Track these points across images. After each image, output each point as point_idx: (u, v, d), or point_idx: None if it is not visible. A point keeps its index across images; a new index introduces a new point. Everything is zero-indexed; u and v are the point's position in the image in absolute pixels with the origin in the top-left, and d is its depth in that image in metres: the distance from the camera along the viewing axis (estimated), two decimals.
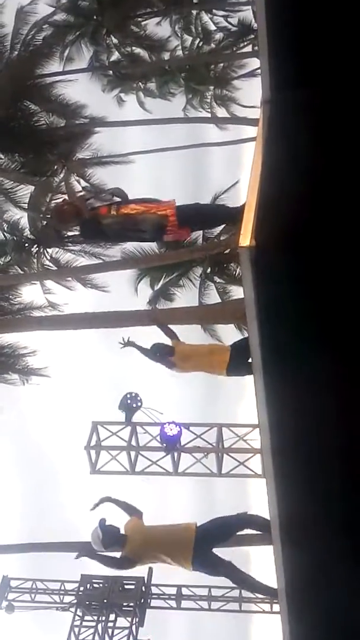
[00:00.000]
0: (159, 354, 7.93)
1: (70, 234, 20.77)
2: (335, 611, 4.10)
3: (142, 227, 6.40)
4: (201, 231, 20.26)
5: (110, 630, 17.37)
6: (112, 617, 17.45)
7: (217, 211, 6.96)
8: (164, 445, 11.19)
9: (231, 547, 15.34)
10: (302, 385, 3.08)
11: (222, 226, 20.02)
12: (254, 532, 7.41)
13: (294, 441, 3.32)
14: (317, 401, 3.11)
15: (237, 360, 7.58)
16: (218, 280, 20.13)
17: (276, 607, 15.45)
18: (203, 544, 6.96)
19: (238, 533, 7.63)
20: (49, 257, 20.78)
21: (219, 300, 19.50)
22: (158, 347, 7.98)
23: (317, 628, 4.36)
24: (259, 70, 3.34)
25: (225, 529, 7.31)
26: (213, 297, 19.95)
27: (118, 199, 6.60)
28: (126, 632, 17.20)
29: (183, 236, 6.75)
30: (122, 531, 7.03)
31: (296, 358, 2.97)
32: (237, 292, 18.94)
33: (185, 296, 20.01)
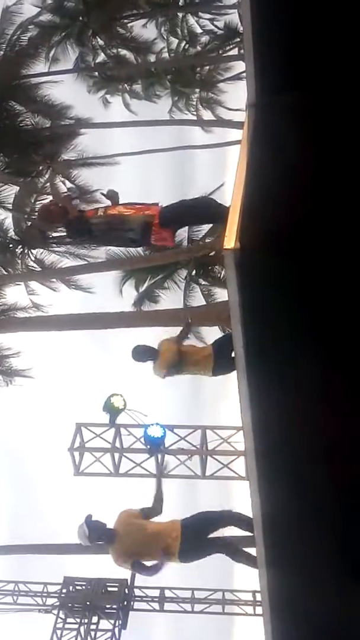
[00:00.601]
0: (142, 356, 7.99)
1: (55, 234, 20.75)
2: (319, 613, 4.12)
3: (129, 226, 6.43)
4: (186, 231, 20.32)
5: (93, 633, 17.32)
6: (94, 619, 17.41)
7: (202, 208, 6.87)
8: (148, 447, 11.17)
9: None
10: (286, 387, 3.09)
11: (208, 228, 20.08)
12: (240, 532, 7.43)
13: (277, 443, 3.32)
14: (301, 404, 3.12)
15: (221, 360, 7.66)
16: (203, 282, 20.17)
17: (259, 610, 15.48)
18: (189, 539, 7.02)
19: (223, 530, 7.64)
20: (33, 258, 20.71)
21: (204, 303, 19.53)
22: (140, 350, 8.04)
23: (300, 630, 4.37)
24: (244, 74, 3.35)
25: (208, 524, 7.34)
26: (198, 299, 19.99)
27: (108, 202, 6.64)
28: (109, 634, 17.17)
29: (167, 240, 6.75)
30: (111, 526, 7.05)
31: (280, 360, 2.97)
32: (221, 294, 18.98)
33: (171, 298, 20.03)
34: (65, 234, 6.99)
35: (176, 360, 7.87)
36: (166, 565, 7.17)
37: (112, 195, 6.67)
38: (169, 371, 7.97)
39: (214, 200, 7.06)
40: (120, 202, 6.62)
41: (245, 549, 7.34)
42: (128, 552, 6.99)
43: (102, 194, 6.82)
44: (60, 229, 6.90)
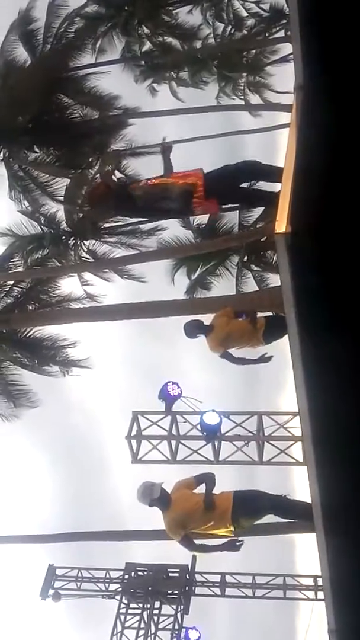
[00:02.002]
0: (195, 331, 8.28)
1: (107, 225, 20.90)
2: None
3: (170, 196, 6.38)
4: (237, 216, 20.22)
5: (155, 618, 17.52)
6: (157, 604, 17.60)
7: (248, 171, 6.63)
8: (205, 434, 11.20)
9: (274, 534, 15.34)
10: (342, 371, 3.06)
11: (259, 212, 19.92)
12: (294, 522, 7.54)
13: (334, 428, 3.30)
14: (358, 387, 3.09)
15: (272, 326, 7.91)
16: (255, 268, 20.04)
17: (321, 595, 15.43)
18: (240, 507, 7.26)
19: (276, 512, 7.72)
20: (85, 249, 20.89)
21: (257, 289, 19.42)
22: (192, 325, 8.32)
23: None
24: (292, 56, 3.32)
25: (259, 501, 7.49)
26: (250, 285, 19.88)
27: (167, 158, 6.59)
28: (171, 619, 17.35)
29: (211, 209, 6.67)
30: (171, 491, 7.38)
31: (335, 344, 2.95)
32: (274, 280, 18.84)
33: (223, 285, 19.97)
34: (115, 209, 7.00)
35: (229, 332, 8.08)
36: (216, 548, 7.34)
37: (168, 147, 6.62)
38: (224, 343, 8.12)
39: (258, 162, 6.70)
40: (168, 167, 6.53)
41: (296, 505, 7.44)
42: (177, 521, 7.17)
43: (162, 144, 6.74)
44: (107, 206, 6.91)
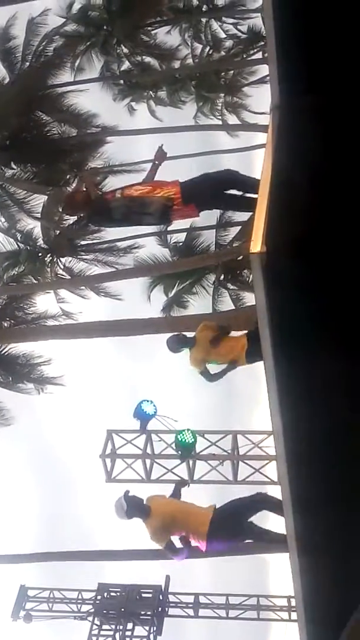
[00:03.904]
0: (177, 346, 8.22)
1: (83, 242, 20.88)
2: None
3: (148, 211, 6.38)
4: (214, 236, 20.31)
5: (128, 639, 17.32)
6: (130, 625, 17.40)
7: (227, 180, 6.64)
8: (179, 452, 11.16)
9: (248, 554, 15.27)
10: (316, 390, 3.06)
11: (235, 231, 20.02)
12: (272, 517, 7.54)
13: (308, 447, 3.30)
14: (331, 406, 3.09)
15: (256, 344, 7.78)
16: (231, 287, 20.14)
17: (294, 615, 15.36)
18: (218, 523, 7.27)
19: (255, 516, 7.74)
20: (62, 266, 20.87)
21: (233, 307, 19.49)
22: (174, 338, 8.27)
23: (335, 636, 4.33)
24: (268, 77, 3.35)
25: (240, 512, 7.56)
26: (227, 304, 19.95)
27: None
28: None
29: (190, 214, 6.67)
30: (145, 502, 7.42)
31: (309, 363, 2.96)
32: (250, 299, 18.92)
33: (199, 303, 20.02)
34: (88, 219, 6.98)
35: (211, 345, 8.01)
36: (194, 549, 7.35)
37: (160, 155, 6.61)
38: (206, 358, 8.06)
39: (237, 172, 6.69)
40: (135, 183, 6.53)
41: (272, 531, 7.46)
42: (163, 526, 7.18)
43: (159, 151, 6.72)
44: (83, 214, 6.89)
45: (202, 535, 7.26)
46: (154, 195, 6.31)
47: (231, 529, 7.46)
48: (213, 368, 8.24)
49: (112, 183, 20.52)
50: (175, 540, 7.36)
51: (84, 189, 6.69)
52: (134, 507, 7.33)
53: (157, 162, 6.60)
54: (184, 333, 8.62)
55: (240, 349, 8.06)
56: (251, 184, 6.14)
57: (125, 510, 7.29)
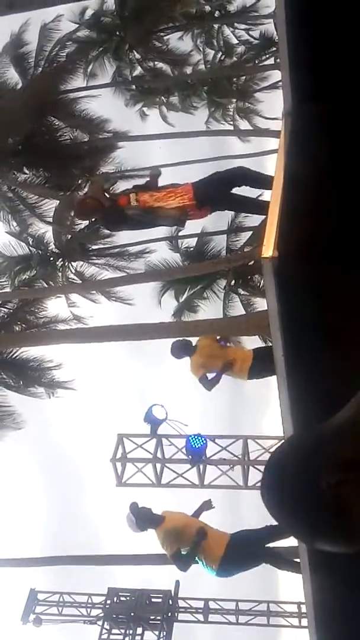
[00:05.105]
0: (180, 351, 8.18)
1: (94, 247, 20.93)
2: None
3: (163, 223, 6.39)
4: (225, 241, 20.32)
5: None
6: (139, 630, 17.39)
7: (238, 177, 6.61)
8: (190, 457, 11.16)
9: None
10: (327, 395, 3.06)
11: (247, 236, 20.02)
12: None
13: None
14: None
15: (260, 363, 7.72)
16: (242, 292, 20.13)
17: (304, 622, 15.30)
18: (236, 549, 7.16)
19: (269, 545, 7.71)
20: (73, 271, 20.94)
21: (244, 312, 19.48)
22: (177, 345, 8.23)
23: None
24: (281, 83, 3.36)
25: (252, 544, 7.45)
26: (237, 309, 19.94)
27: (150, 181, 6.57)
28: None
29: (204, 215, 6.67)
30: (160, 513, 7.48)
31: (321, 368, 2.96)
32: (261, 304, 18.91)
33: (210, 308, 20.03)
34: (102, 223, 6.98)
35: (214, 356, 7.96)
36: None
37: (154, 175, 6.58)
38: (205, 365, 8.01)
39: (248, 168, 6.72)
40: (149, 186, 6.51)
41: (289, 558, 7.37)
42: (172, 535, 7.19)
43: (151, 174, 6.73)
44: (96, 219, 6.89)
45: (216, 559, 7.25)
46: (170, 205, 6.28)
47: (248, 556, 7.46)
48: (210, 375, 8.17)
49: (123, 188, 20.61)
50: (183, 550, 7.35)
51: (94, 196, 6.68)
52: (143, 519, 7.36)
53: (152, 181, 6.56)
54: (188, 339, 8.59)
55: (245, 360, 8.00)
56: (263, 180, 6.15)
57: (135, 523, 7.35)
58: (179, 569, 7.55)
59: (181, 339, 8.72)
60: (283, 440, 1.66)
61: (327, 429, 1.40)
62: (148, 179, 6.63)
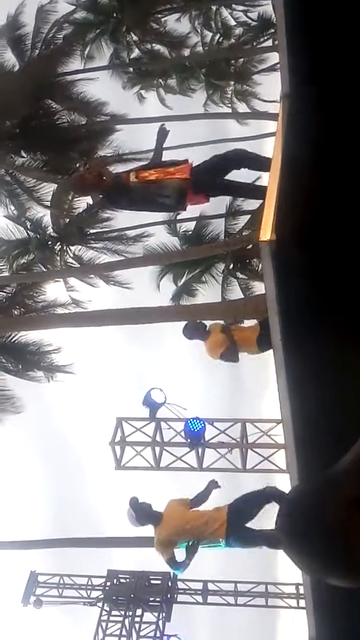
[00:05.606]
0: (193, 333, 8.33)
1: (92, 231, 20.88)
2: None
3: (165, 193, 6.33)
4: (223, 224, 20.28)
5: (137, 625, 17.44)
6: (139, 612, 17.51)
7: (235, 160, 6.57)
8: (189, 440, 11.20)
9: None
10: (325, 379, 3.08)
11: (245, 220, 19.98)
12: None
13: (317, 436, 3.32)
14: (340, 394, 3.11)
15: (268, 336, 7.83)
16: (241, 276, 20.11)
17: (302, 603, 15.43)
18: (235, 521, 7.22)
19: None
20: (71, 255, 20.88)
21: (242, 296, 19.47)
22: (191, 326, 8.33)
23: (342, 623, 4.36)
24: (279, 65, 3.34)
25: (252, 506, 7.67)
26: (236, 292, 19.93)
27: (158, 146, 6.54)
28: (153, 627, 17.28)
29: (202, 201, 6.65)
30: (159, 510, 7.54)
31: (318, 351, 2.97)
32: (259, 288, 18.89)
33: (208, 292, 20.01)
34: (104, 199, 6.92)
35: (225, 339, 8.10)
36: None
37: (163, 133, 6.60)
38: (222, 344, 8.15)
39: (246, 150, 6.73)
40: (148, 164, 6.52)
41: None
42: (169, 539, 7.23)
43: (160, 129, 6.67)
44: (97, 195, 6.84)
45: (220, 534, 7.35)
46: (170, 178, 6.26)
47: (246, 536, 7.53)
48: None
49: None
50: (177, 554, 7.43)
51: (95, 172, 6.62)
52: (142, 516, 7.48)
53: (161, 141, 6.55)
54: (204, 323, 8.72)
55: (253, 334, 8.21)
56: (262, 162, 6.13)
57: (135, 518, 7.49)
58: (175, 572, 7.68)
59: (197, 321, 8.84)
60: (293, 488, 1.85)
61: (335, 472, 1.56)
62: (156, 138, 6.61)
